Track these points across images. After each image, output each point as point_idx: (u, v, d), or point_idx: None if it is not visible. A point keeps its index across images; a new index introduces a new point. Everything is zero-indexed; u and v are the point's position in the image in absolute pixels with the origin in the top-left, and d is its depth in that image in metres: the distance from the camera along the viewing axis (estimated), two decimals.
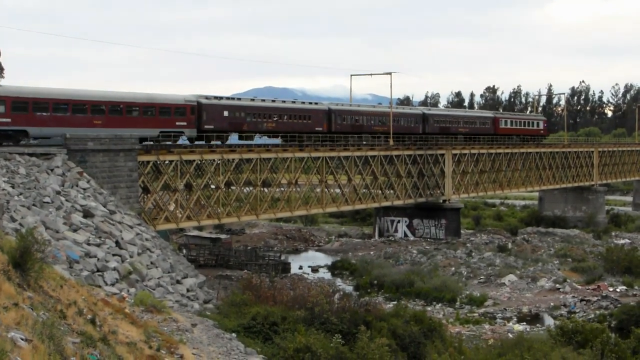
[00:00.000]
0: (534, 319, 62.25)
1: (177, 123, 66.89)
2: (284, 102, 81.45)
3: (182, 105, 67.56)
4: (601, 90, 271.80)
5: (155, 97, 66.15)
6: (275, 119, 77.30)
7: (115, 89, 74.83)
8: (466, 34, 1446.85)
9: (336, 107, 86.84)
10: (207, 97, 70.62)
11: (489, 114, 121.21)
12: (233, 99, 74.38)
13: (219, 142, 69.94)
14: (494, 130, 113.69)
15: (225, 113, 71.90)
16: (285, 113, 78.90)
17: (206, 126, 70.05)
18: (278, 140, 76.66)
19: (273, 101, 79.49)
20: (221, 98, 72.68)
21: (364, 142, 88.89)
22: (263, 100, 78.52)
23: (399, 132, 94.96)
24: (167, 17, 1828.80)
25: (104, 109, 61.61)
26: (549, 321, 59.80)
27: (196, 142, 68.29)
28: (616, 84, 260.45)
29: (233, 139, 72.68)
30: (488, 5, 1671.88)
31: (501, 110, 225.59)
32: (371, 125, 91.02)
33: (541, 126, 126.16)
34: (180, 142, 66.63)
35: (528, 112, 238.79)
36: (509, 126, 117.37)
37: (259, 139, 75.64)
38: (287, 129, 78.38)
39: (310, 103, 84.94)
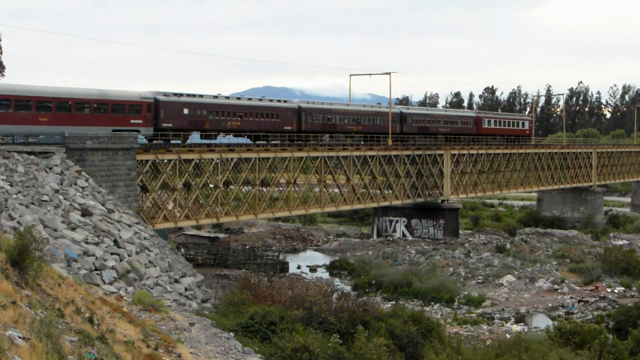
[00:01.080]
0: (532, 319, 62.26)
1: (132, 121, 63.34)
2: (249, 99, 77.31)
3: (137, 102, 64.03)
4: (598, 91, 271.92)
5: (107, 94, 62.75)
6: (241, 117, 73.57)
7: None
8: (466, 34, 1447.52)
9: (307, 106, 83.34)
10: (165, 94, 67.02)
11: (471, 113, 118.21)
12: (195, 95, 70.55)
13: (179, 142, 67.79)
14: (476, 130, 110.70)
15: (185, 111, 68.43)
16: (252, 111, 74.98)
17: (164, 124, 66.35)
18: (245, 140, 75.10)
19: (238, 98, 76.05)
20: (181, 95, 68.96)
21: (333, 142, 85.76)
22: (227, 98, 75.26)
23: (374, 132, 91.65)
24: (166, 16, 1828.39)
25: (50, 106, 58.26)
26: (547, 322, 59.80)
27: (154, 142, 65.80)
28: (614, 85, 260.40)
29: (194, 138, 70.79)
30: (488, 5, 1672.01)
31: (499, 110, 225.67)
32: (345, 125, 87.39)
33: (526, 126, 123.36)
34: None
35: (527, 112, 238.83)
36: (492, 126, 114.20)
37: (222, 139, 74.23)
38: (253, 128, 75.22)
39: (279, 101, 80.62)
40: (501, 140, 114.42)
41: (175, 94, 68.04)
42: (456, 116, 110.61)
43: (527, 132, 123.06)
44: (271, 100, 79.14)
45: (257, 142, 75.64)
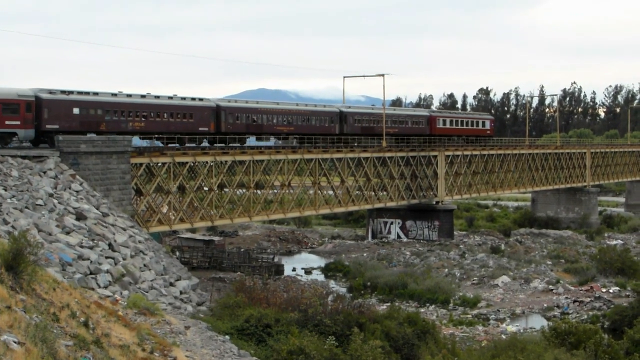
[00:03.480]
0: (527, 319, 62.31)
1: (7, 122, 56.55)
2: (157, 97, 69.79)
3: (13, 100, 56.96)
4: (594, 92, 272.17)
5: None
6: (146, 117, 67.15)
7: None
8: (460, 35, 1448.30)
9: (227, 105, 76.16)
10: (50, 91, 60.22)
11: (423, 112, 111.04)
12: (88, 93, 63.44)
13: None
14: (429, 130, 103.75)
15: (76, 110, 61.52)
16: (159, 110, 68.37)
17: (49, 126, 59.40)
18: (142, 142, 70.42)
19: (143, 96, 68.55)
20: (71, 92, 62.04)
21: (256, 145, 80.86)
22: (129, 96, 67.23)
23: (308, 133, 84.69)
24: (159, 18, 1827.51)
25: None
26: (542, 322, 59.84)
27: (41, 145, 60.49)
28: (610, 86, 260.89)
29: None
30: (482, 6, 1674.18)
31: (492, 110, 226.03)
32: (273, 125, 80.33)
33: (487, 126, 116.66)
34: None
35: (525, 114, 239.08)
36: (447, 126, 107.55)
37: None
38: (160, 129, 68.60)
39: (194, 99, 73.06)
40: (459, 142, 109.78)
41: (63, 92, 61.48)
42: (406, 115, 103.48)
43: (489, 132, 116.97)
44: (184, 99, 72.14)
45: (170, 144, 69.54)
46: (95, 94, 63.89)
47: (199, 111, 72.08)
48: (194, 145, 71.95)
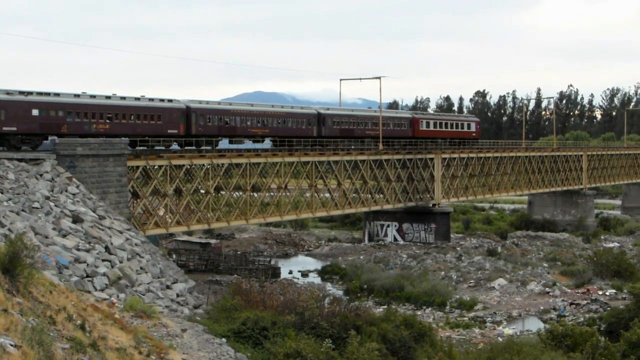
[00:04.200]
0: (523, 322, 62.34)
1: None
2: (123, 98, 66.96)
3: None
4: (592, 94, 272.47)
5: None
6: (110, 119, 64.35)
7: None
8: (456, 38, 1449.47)
9: (197, 106, 72.85)
10: (8, 92, 58.16)
11: (406, 114, 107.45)
12: (49, 94, 61.16)
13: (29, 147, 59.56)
14: (412, 132, 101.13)
15: (35, 112, 59.08)
16: (125, 112, 65.49)
17: (5, 128, 57.36)
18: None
19: (108, 97, 65.82)
20: (30, 93, 59.78)
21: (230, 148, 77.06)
22: (93, 97, 64.49)
23: (285, 135, 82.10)
24: (154, 21, 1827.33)
25: None
26: (539, 325, 59.89)
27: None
28: (608, 89, 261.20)
29: (48, 144, 61.87)
30: (479, 9, 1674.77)
31: (489, 113, 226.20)
32: (247, 127, 77.42)
33: (472, 128, 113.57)
34: None
35: (522, 116, 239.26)
36: (431, 128, 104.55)
37: None
38: (126, 132, 65.45)
39: (163, 100, 69.97)
40: (443, 144, 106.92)
41: (21, 92, 59.25)
42: (387, 117, 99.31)
43: (474, 134, 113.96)
44: (152, 100, 69.05)
45: (137, 147, 66.20)
46: (57, 94, 61.44)
47: (168, 113, 69.27)
48: (162, 148, 68.92)
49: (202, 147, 72.46)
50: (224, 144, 77.09)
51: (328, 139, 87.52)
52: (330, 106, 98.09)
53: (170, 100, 70.54)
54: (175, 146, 71.49)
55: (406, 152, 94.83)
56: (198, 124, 71.91)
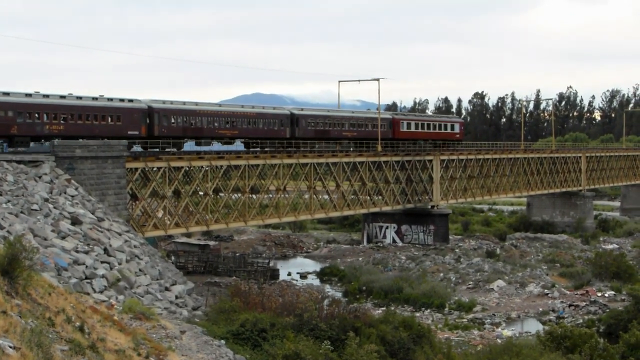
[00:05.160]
0: (522, 324, 62.34)
1: None
2: (79, 98, 63.41)
3: None
4: (593, 95, 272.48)
5: None
6: (65, 120, 61.15)
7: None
8: (455, 40, 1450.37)
9: (160, 106, 69.52)
10: None
11: (385, 115, 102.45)
12: None
13: None
14: (392, 134, 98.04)
15: None
16: (80, 112, 62.09)
17: None
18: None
19: (63, 97, 62.16)
20: None
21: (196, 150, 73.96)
22: (46, 96, 61.26)
23: (256, 137, 79.26)
24: (151, 24, 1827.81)
25: None
26: (538, 326, 59.89)
27: None
28: (607, 90, 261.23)
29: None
30: (478, 11, 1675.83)
31: (490, 114, 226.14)
32: (215, 129, 74.23)
33: (456, 129, 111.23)
34: None
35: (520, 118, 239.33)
36: (412, 129, 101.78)
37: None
38: (82, 133, 62.02)
39: (123, 100, 66.63)
40: (425, 146, 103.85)
41: None
42: (365, 118, 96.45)
43: (458, 135, 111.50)
44: (111, 99, 65.86)
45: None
46: (6, 94, 58.43)
47: (128, 113, 66.24)
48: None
49: (166, 150, 69.25)
50: (189, 146, 74.93)
51: (302, 140, 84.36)
52: (305, 107, 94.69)
53: (131, 100, 67.57)
54: (137, 148, 68.25)
55: (405, 154, 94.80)
56: (161, 125, 69.02)
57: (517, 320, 63.21)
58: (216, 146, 76.93)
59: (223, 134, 75.74)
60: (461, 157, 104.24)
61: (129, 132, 65.89)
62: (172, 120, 70.25)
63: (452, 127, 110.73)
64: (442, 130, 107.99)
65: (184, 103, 72.93)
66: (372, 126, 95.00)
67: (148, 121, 67.81)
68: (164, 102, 70.66)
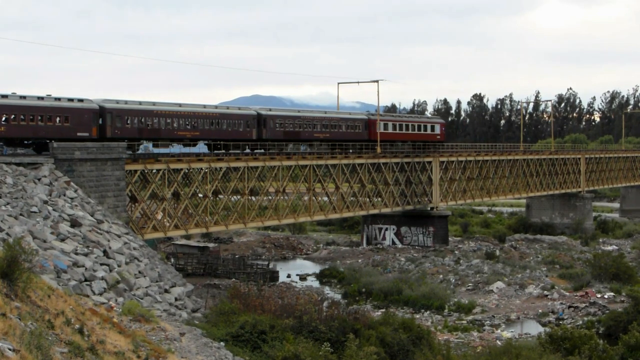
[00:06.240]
0: (522, 325, 62.34)
1: None
2: (23, 97, 59.89)
3: None
4: (593, 97, 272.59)
5: None
6: (7, 120, 58.03)
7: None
8: (454, 41, 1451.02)
9: (114, 106, 65.93)
10: None
11: (361, 115, 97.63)
12: None
13: None
14: (368, 135, 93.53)
15: None
16: (24, 113, 58.80)
17: None
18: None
19: (5, 96, 58.65)
20: None
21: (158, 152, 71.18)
22: None
23: (219, 138, 75.46)
24: (150, 25, 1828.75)
25: None
26: (538, 328, 59.90)
27: None
28: (607, 91, 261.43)
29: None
30: (478, 12, 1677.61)
31: (489, 117, 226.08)
32: (174, 130, 70.73)
33: (437, 130, 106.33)
34: None
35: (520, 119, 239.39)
36: (390, 130, 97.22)
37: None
38: (25, 134, 59.49)
39: (72, 100, 62.78)
40: (402, 147, 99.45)
41: None
42: (339, 119, 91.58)
43: (439, 137, 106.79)
44: (58, 99, 62.04)
45: (43, 152, 60.13)
46: None
47: (77, 113, 62.39)
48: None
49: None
50: (145, 148, 72.75)
51: (270, 142, 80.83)
52: (273, 107, 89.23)
53: (81, 100, 63.69)
54: None
55: (404, 156, 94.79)
56: (114, 126, 65.40)
57: (517, 322, 63.20)
58: (176, 148, 74.35)
59: (183, 135, 72.18)
60: (460, 158, 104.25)
61: (79, 134, 62.21)
62: (127, 121, 66.82)
63: (433, 128, 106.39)
64: (422, 132, 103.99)
65: (140, 103, 69.42)
66: (346, 127, 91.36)
67: (100, 122, 64.54)
68: (117, 101, 67.24)
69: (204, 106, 76.05)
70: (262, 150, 79.59)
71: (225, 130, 75.55)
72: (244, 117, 77.99)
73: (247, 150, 78.81)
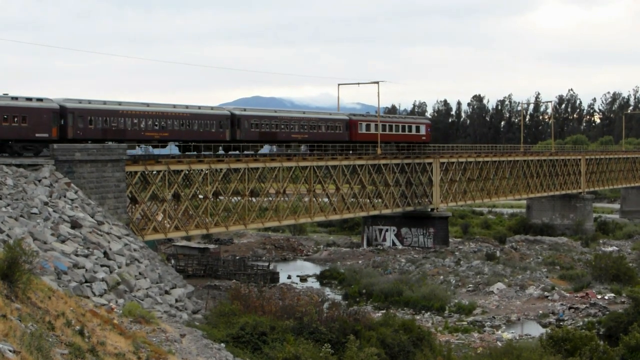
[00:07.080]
0: (522, 326, 62.32)
1: None
2: None
3: None
4: (594, 98, 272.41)
5: None
6: None
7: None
8: (454, 42, 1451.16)
9: (76, 106, 63.01)
10: None
11: (342, 116, 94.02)
12: None
13: None
14: (349, 136, 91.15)
15: None
16: None
17: None
18: None
19: None
20: None
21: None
22: None
23: (190, 139, 73.30)
24: (150, 27, 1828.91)
25: None
26: (538, 329, 59.88)
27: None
28: (608, 92, 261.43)
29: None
30: (478, 12, 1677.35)
31: (489, 119, 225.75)
32: (141, 131, 67.84)
33: (422, 131, 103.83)
34: None
35: (520, 120, 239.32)
36: (372, 131, 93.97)
37: None
38: None
39: (30, 99, 59.81)
40: (386, 149, 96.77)
41: None
42: (318, 119, 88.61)
43: (424, 138, 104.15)
44: (15, 98, 58.83)
45: (2, 153, 58.21)
46: None
47: (36, 114, 59.24)
48: (31, 154, 59.28)
49: None
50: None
51: (244, 143, 78.60)
52: (248, 107, 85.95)
53: (40, 99, 60.65)
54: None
55: (404, 157, 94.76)
56: (76, 127, 62.36)
57: (517, 323, 63.17)
58: (142, 150, 72.69)
59: (150, 136, 69.22)
60: (461, 159, 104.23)
61: (37, 135, 59.38)
62: (90, 122, 63.67)
63: (418, 129, 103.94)
64: (407, 132, 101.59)
65: (105, 102, 66.38)
66: (325, 128, 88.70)
67: (62, 122, 61.66)
68: (80, 101, 64.10)
69: (174, 106, 73.27)
70: (237, 152, 77.95)
71: (196, 131, 73.13)
72: (217, 118, 75.47)
73: (221, 152, 76.87)
